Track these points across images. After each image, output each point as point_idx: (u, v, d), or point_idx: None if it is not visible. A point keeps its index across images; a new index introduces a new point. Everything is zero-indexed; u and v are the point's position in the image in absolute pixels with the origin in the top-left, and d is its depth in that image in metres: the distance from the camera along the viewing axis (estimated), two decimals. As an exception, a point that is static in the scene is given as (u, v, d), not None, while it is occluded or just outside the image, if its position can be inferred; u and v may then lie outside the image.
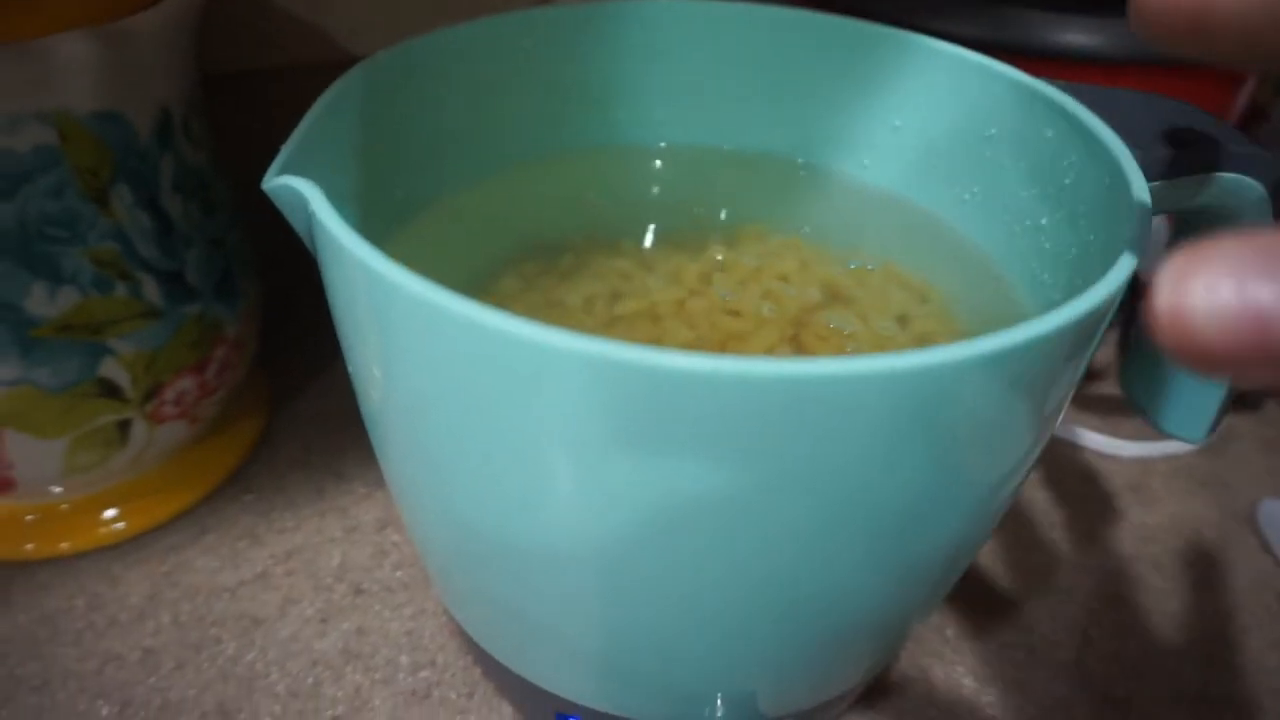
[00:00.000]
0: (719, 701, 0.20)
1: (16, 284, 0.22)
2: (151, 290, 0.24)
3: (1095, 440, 0.34)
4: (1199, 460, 0.34)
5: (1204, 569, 0.29)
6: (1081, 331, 0.14)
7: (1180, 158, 0.19)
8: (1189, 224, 0.22)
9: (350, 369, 0.18)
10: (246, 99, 0.34)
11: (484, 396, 0.14)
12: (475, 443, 0.15)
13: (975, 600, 0.28)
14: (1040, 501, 0.31)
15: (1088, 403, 0.35)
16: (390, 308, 0.14)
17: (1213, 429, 0.24)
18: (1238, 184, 0.19)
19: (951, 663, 0.26)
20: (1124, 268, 0.14)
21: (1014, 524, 0.31)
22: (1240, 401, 0.36)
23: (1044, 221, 0.21)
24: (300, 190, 0.16)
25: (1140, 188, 0.17)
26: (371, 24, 0.36)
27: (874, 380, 0.12)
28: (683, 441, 0.13)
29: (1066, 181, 0.20)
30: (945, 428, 0.14)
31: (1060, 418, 0.18)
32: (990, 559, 0.29)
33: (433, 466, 0.17)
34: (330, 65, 0.36)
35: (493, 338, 0.13)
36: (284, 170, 0.16)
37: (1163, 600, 0.28)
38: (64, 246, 0.22)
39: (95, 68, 0.21)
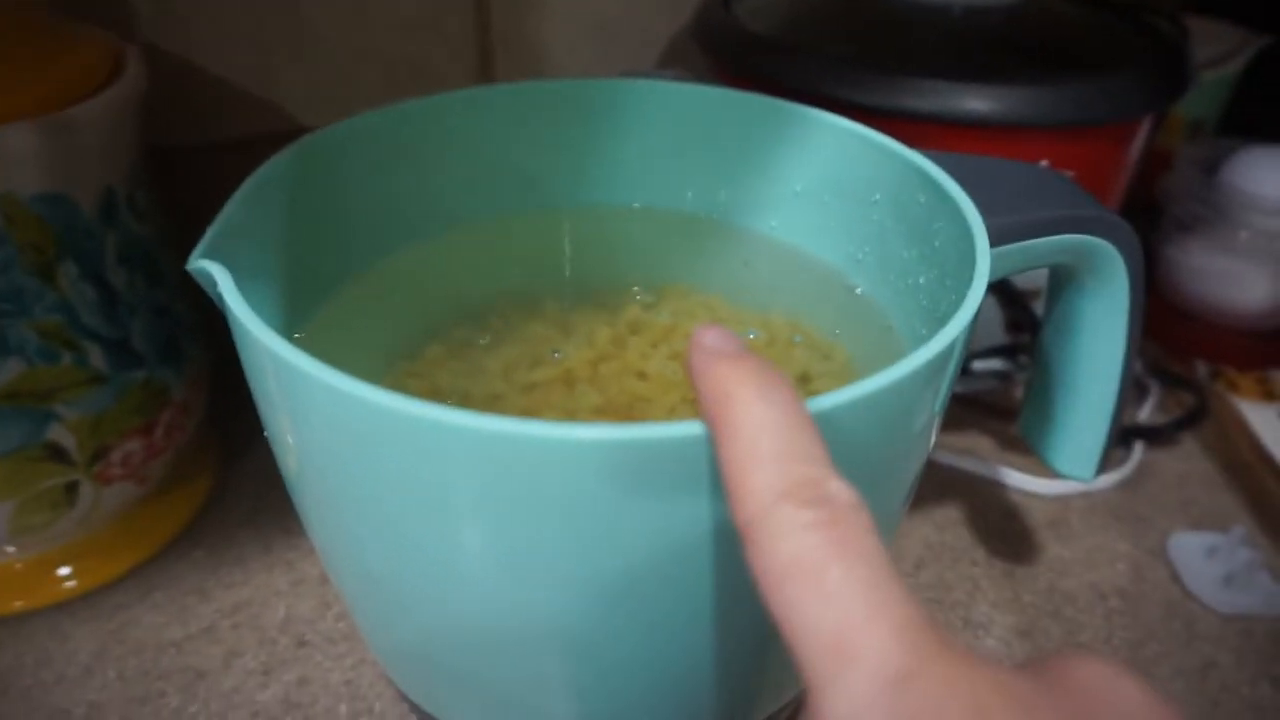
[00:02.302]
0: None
1: (-36, 357, 0.23)
2: (97, 358, 0.26)
3: (1017, 479, 0.35)
4: (1115, 496, 0.35)
5: (1116, 599, 0.31)
6: (895, 391, 0.15)
7: (1034, 222, 0.20)
8: (1057, 275, 0.24)
9: (268, 434, 0.19)
10: (197, 171, 0.35)
11: (376, 463, 0.16)
12: (375, 504, 0.17)
13: (896, 636, 0.29)
14: (963, 538, 0.33)
15: (1012, 443, 0.37)
16: (292, 387, 0.16)
17: (1099, 469, 0.26)
18: (1090, 244, 0.21)
19: (869, 697, 0.27)
20: (940, 342, 0.16)
21: (934, 560, 0.32)
22: (1157, 437, 0.37)
23: (921, 280, 0.22)
24: (213, 274, 0.17)
25: (984, 256, 0.18)
26: (320, 96, 0.38)
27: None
28: (530, 496, 0.15)
29: (936, 244, 0.21)
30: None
31: (928, 448, 0.19)
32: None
33: (342, 524, 0.18)
34: (281, 136, 0.38)
35: (375, 413, 0.14)
36: (204, 254, 0.18)
37: (1076, 630, 0.30)
38: (10, 319, 0.24)
39: (38, 155, 0.23)
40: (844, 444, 0.16)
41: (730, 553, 0.16)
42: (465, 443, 0.14)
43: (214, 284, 0.17)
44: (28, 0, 0.25)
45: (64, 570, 0.29)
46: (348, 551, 0.19)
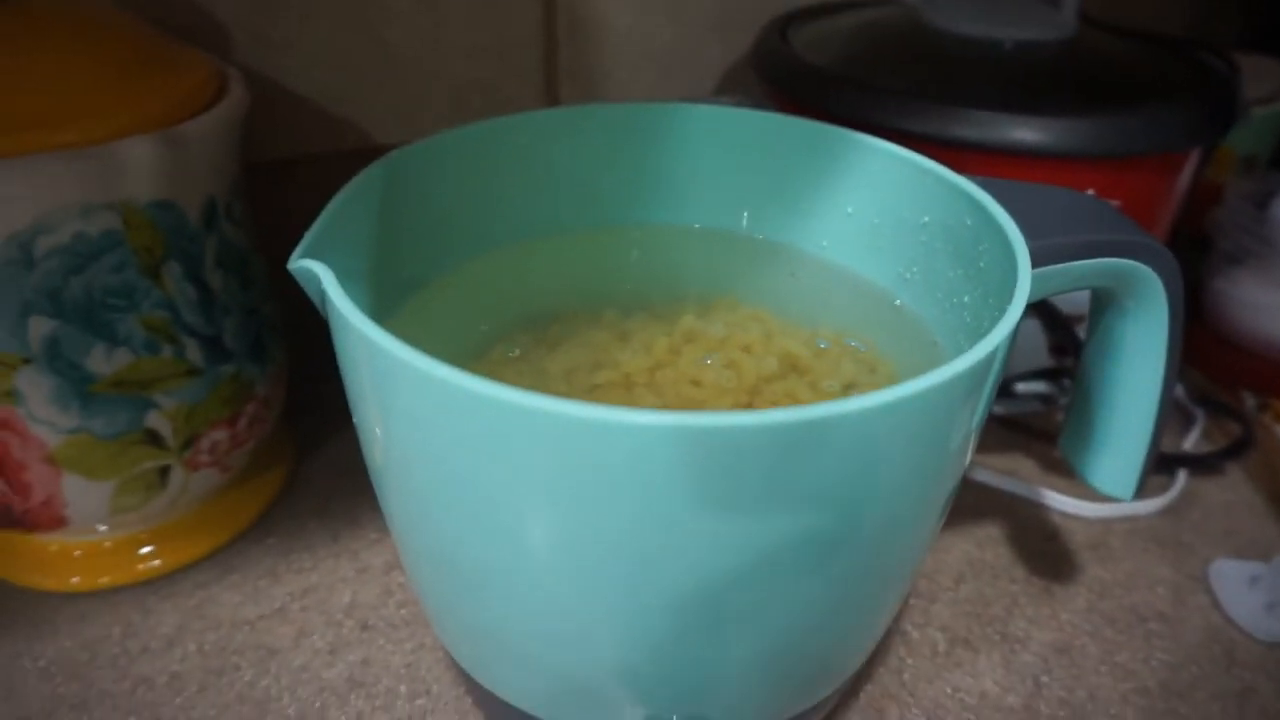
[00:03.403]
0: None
1: (81, 345, 0.25)
2: (194, 352, 0.28)
3: (1059, 500, 0.36)
4: (1158, 522, 0.35)
5: (1155, 622, 0.31)
6: (935, 396, 0.17)
7: (1076, 245, 0.22)
8: (1099, 298, 0.25)
9: (356, 428, 0.21)
10: (283, 183, 0.38)
11: (461, 448, 0.17)
12: (458, 489, 0.18)
13: (932, 646, 0.30)
14: (1003, 557, 0.34)
15: (1054, 466, 0.38)
16: (385, 373, 0.17)
17: (1139, 488, 0.26)
18: (1129, 268, 0.22)
19: (906, 704, 0.28)
20: (976, 354, 0.17)
21: (975, 576, 0.33)
22: (1201, 466, 0.37)
23: (966, 299, 0.24)
24: (316, 272, 0.19)
25: (1025, 275, 0.20)
26: (392, 115, 0.40)
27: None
28: (609, 480, 0.16)
29: (981, 264, 0.23)
30: (846, 469, 0.17)
31: (965, 460, 0.20)
32: (950, 610, 0.31)
33: (424, 510, 0.20)
34: (356, 152, 0.41)
35: (463, 397, 0.16)
36: (305, 254, 0.20)
37: (1114, 651, 0.30)
38: (121, 314, 0.26)
39: (154, 166, 0.25)
40: (884, 447, 0.17)
41: (798, 549, 0.18)
42: (549, 427, 0.16)
43: (316, 281, 0.19)
44: (145, 26, 0.28)
45: (147, 550, 0.32)
46: (428, 535, 0.21)
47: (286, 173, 0.39)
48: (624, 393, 0.25)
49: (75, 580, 0.31)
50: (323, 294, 0.19)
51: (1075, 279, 0.22)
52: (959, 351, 0.24)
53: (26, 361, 0.25)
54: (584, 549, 0.18)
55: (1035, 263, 0.21)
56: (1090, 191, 0.32)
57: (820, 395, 0.25)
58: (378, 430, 0.20)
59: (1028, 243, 0.21)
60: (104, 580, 0.31)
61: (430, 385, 0.16)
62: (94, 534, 0.31)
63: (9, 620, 0.30)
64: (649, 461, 0.16)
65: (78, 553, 0.31)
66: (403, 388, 0.17)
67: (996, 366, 0.19)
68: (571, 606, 0.19)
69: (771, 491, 0.17)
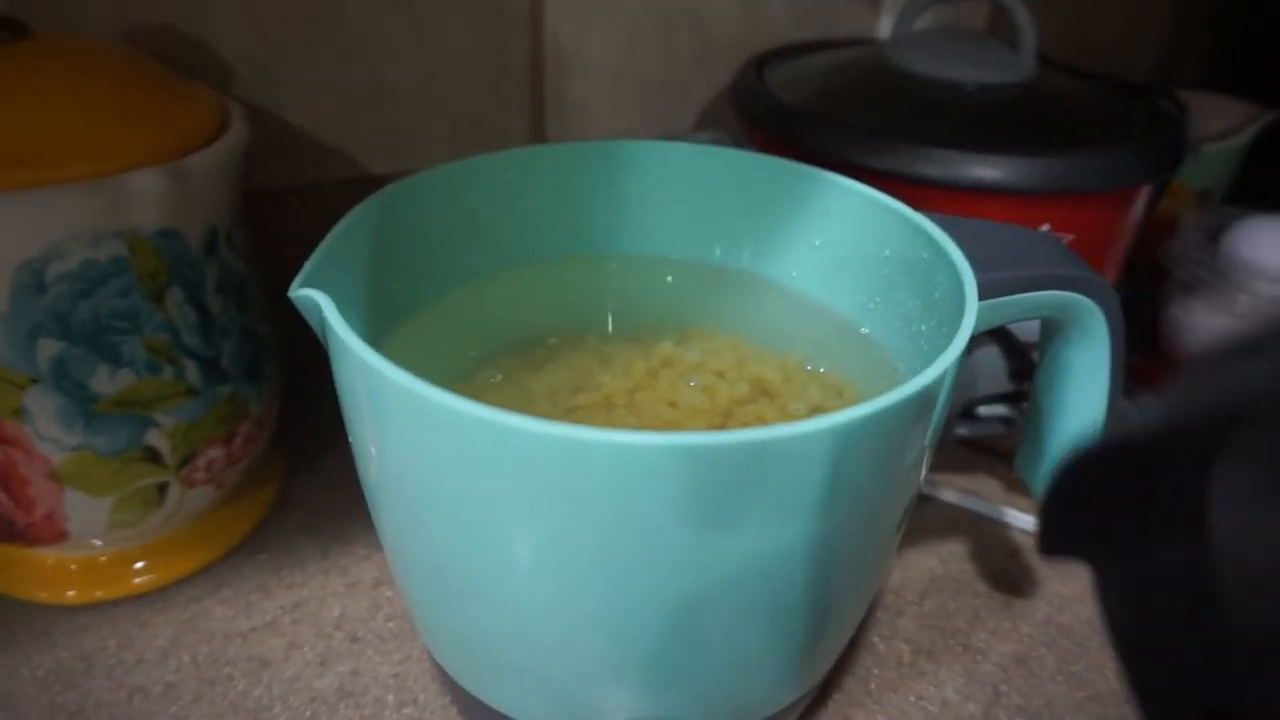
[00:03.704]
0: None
1: (87, 366, 0.27)
2: (193, 373, 0.29)
3: (1021, 519, 0.37)
4: (1114, 538, 0.37)
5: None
6: (892, 415, 0.18)
7: (1022, 278, 0.23)
8: (1048, 327, 0.27)
9: (352, 446, 0.22)
10: (277, 209, 0.39)
11: (452, 464, 0.19)
12: (449, 503, 0.20)
13: (898, 657, 0.31)
14: (966, 572, 0.35)
15: (1015, 485, 0.39)
16: (381, 395, 0.19)
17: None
18: (1072, 300, 0.24)
19: (872, 711, 0.29)
20: (926, 377, 0.19)
21: (938, 591, 0.34)
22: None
23: (923, 327, 0.25)
24: (317, 300, 0.20)
25: (972, 306, 0.21)
26: (385, 146, 0.41)
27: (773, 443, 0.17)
28: (590, 496, 0.17)
29: (936, 295, 0.24)
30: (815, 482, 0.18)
31: (921, 473, 0.22)
32: (915, 623, 0.33)
33: (416, 524, 0.21)
34: (349, 181, 0.42)
35: (453, 417, 0.17)
36: (305, 283, 0.21)
37: (1070, 661, 0.32)
38: (126, 337, 0.27)
39: (159, 196, 0.26)
40: (847, 462, 0.18)
41: (768, 558, 0.19)
42: (530, 445, 0.17)
43: (317, 309, 0.20)
44: (149, 61, 0.29)
45: (140, 564, 0.33)
46: (419, 547, 0.22)
47: (280, 200, 0.40)
48: (604, 413, 0.26)
49: (71, 594, 0.32)
50: (323, 321, 0.20)
51: (1023, 310, 0.24)
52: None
53: (34, 381, 0.26)
54: (564, 560, 0.19)
55: (984, 295, 0.22)
56: (1046, 226, 0.34)
57: (788, 418, 0.26)
58: (372, 450, 0.21)
59: (977, 276, 0.22)
60: (99, 594, 0.32)
61: (423, 406, 0.18)
62: (90, 549, 0.32)
63: (7, 632, 0.31)
64: (626, 477, 0.17)
65: (74, 567, 0.32)
66: (397, 409, 0.19)
67: (946, 388, 0.20)
68: (555, 615, 0.21)
69: (744, 504, 0.18)
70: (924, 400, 0.19)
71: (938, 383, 0.19)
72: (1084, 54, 0.45)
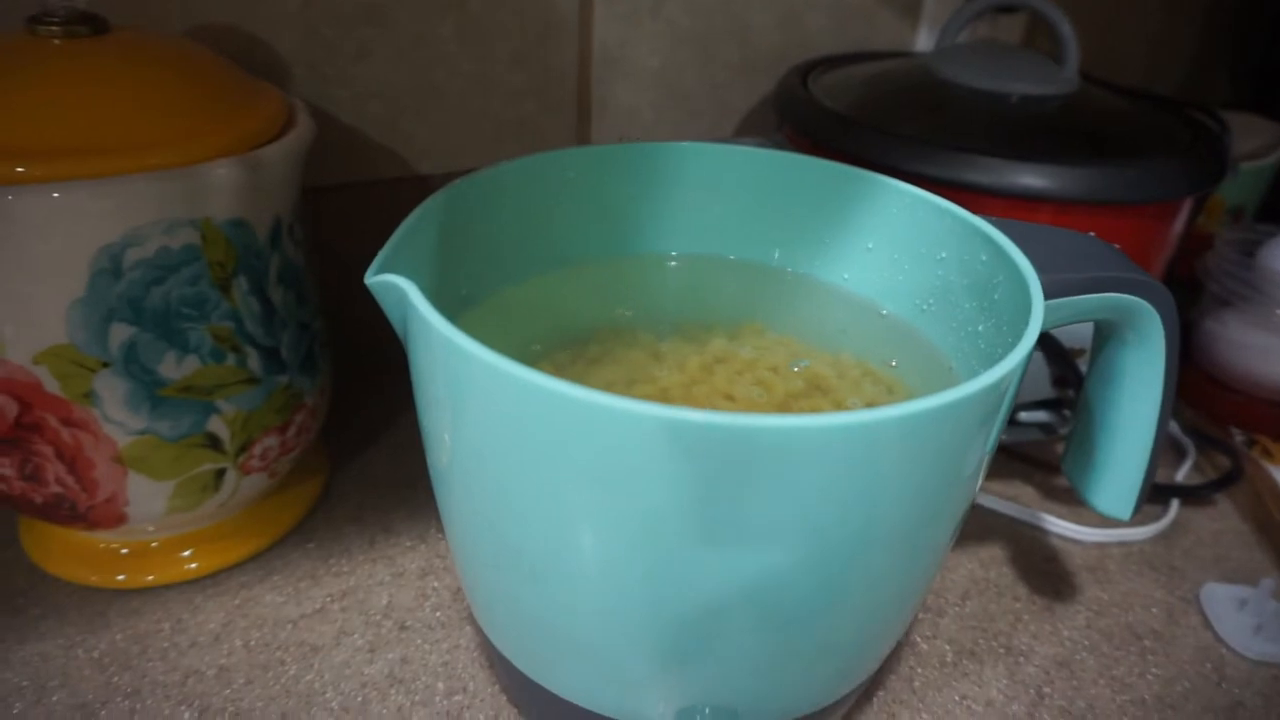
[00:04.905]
0: (722, 709, 0.24)
1: (156, 352, 0.27)
2: (254, 362, 0.30)
3: (1059, 525, 0.38)
4: (1152, 547, 0.37)
5: (1150, 639, 0.33)
6: (944, 417, 0.19)
7: (1082, 280, 0.24)
8: (1102, 330, 0.27)
9: (424, 432, 0.23)
10: (332, 207, 0.40)
11: (530, 445, 0.19)
12: (528, 481, 0.20)
13: (941, 657, 0.32)
14: (1006, 576, 0.35)
15: (1054, 493, 0.40)
16: (467, 374, 0.19)
17: (1137, 509, 0.28)
18: (1130, 303, 0.24)
19: (916, 710, 0.30)
20: (990, 377, 0.19)
21: (979, 594, 0.34)
22: (1193, 496, 0.39)
23: (980, 329, 0.26)
24: (398, 284, 0.21)
25: (1039, 306, 0.22)
26: (434, 148, 0.42)
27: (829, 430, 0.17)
28: (664, 479, 0.18)
29: (995, 297, 0.25)
30: (878, 476, 0.19)
31: (977, 482, 0.22)
32: (957, 625, 0.33)
33: (487, 503, 0.22)
34: (396, 180, 0.43)
35: (539, 395, 0.18)
36: (382, 269, 0.22)
37: (1111, 665, 0.32)
38: (193, 324, 0.28)
39: (232, 187, 0.27)
40: (898, 460, 0.19)
41: (828, 548, 0.19)
42: (626, 423, 0.17)
43: (398, 292, 0.21)
44: (220, 58, 0.30)
45: (188, 552, 0.33)
46: (487, 528, 0.22)
47: (331, 197, 0.41)
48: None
49: (121, 578, 0.32)
50: (404, 305, 0.21)
51: (1081, 312, 0.24)
52: (972, 377, 0.26)
53: (105, 365, 0.27)
54: (639, 537, 0.20)
55: (1045, 296, 0.23)
56: (1091, 234, 0.34)
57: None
58: (446, 436, 0.22)
59: (1039, 277, 0.23)
60: (150, 579, 0.33)
61: (507, 380, 0.18)
62: (144, 534, 0.32)
63: (63, 614, 0.31)
64: (716, 456, 0.18)
65: (125, 551, 0.33)
66: (483, 387, 0.19)
67: (1011, 390, 0.20)
68: (623, 594, 0.21)
69: (806, 491, 0.18)
70: (989, 399, 0.19)
71: (1004, 382, 0.20)
72: (1110, 76, 0.45)
